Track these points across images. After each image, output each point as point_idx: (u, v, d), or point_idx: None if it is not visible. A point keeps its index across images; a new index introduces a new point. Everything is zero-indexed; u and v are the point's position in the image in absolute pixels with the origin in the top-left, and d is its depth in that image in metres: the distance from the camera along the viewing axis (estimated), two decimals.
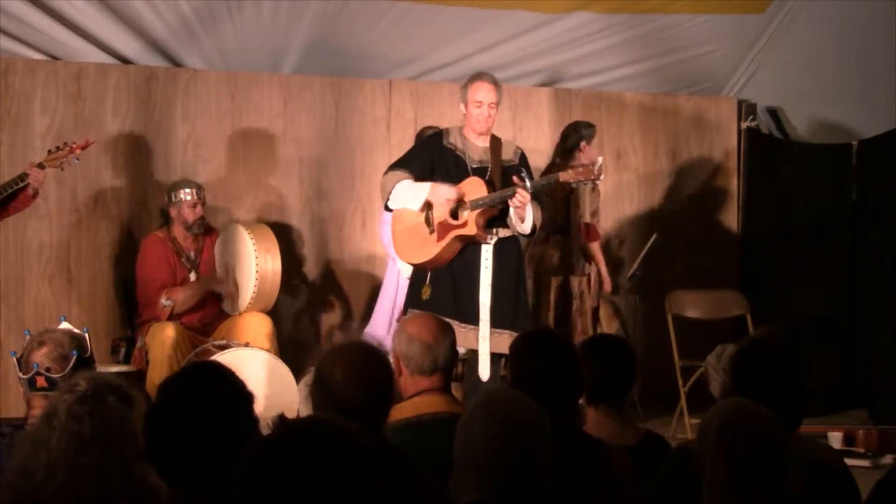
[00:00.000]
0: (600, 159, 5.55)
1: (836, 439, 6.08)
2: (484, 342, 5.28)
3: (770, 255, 7.61)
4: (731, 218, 7.73)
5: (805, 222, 7.64)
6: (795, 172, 7.67)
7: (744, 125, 7.68)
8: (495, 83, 5.45)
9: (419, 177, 5.36)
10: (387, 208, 5.47)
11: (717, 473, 2.45)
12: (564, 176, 5.42)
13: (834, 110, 7.76)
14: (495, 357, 5.27)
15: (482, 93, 5.41)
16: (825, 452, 3.19)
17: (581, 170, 5.43)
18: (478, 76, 5.49)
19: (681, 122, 7.64)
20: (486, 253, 5.38)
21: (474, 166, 5.43)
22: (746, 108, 7.71)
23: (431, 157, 5.44)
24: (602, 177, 5.46)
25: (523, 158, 5.59)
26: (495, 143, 5.52)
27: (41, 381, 3.07)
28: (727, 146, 7.74)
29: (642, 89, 7.60)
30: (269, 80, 6.78)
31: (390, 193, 5.35)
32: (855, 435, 6.23)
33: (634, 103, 7.54)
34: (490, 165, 5.45)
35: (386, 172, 5.45)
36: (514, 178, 5.41)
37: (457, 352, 3.40)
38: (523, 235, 5.47)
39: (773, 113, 7.82)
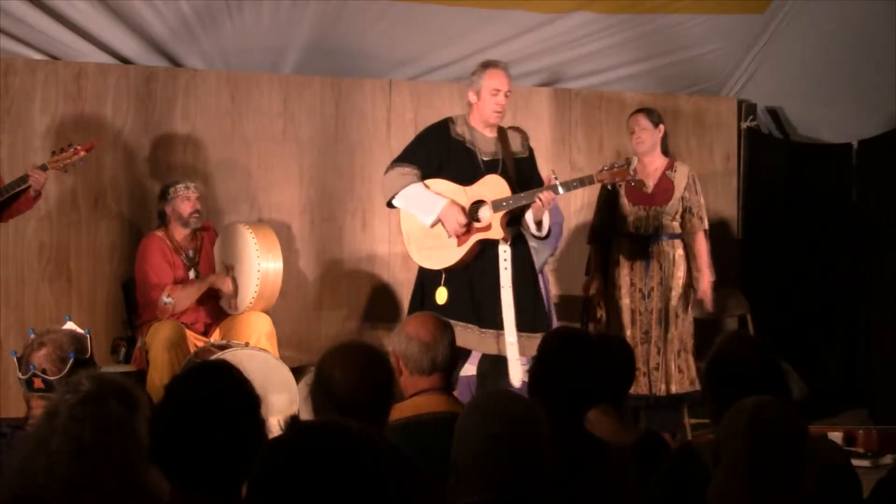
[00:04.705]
0: (635, 159, 5.35)
1: (835, 439, 6.08)
2: (512, 347, 5.04)
3: (770, 254, 7.60)
4: (731, 218, 7.72)
5: (805, 222, 7.63)
6: (795, 172, 7.66)
7: (744, 125, 7.67)
8: (508, 71, 5.30)
9: (426, 171, 5.15)
10: (389, 205, 5.26)
11: (737, 456, 2.44)
12: (600, 176, 5.22)
13: (834, 110, 7.74)
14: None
15: (498, 80, 5.21)
16: (831, 453, 3.17)
17: (616, 170, 5.20)
18: (492, 63, 5.30)
19: (681, 122, 7.63)
20: (505, 254, 5.15)
21: (486, 159, 5.21)
22: (746, 108, 7.70)
23: (439, 151, 5.20)
24: (636, 177, 5.27)
25: (531, 150, 5.43)
26: (503, 134, 5.32)
27: (38, 383, 3.07)
28: (727, 146, 7.73)
29: (642, 89, 7.59)
30: (269, 80, 6.77)
31: (397, 193, 5.13)
32: (855, 435, 6.23)
33: (634, 103, 7.52)
34: (502, 159, 5.23)
35: (389, 168, 5.25)
36: (548, 178, 5.24)
37: (456, 351, 3.39)
38: (536, 237, 5.27)
39: (773, 113, 7.81)
